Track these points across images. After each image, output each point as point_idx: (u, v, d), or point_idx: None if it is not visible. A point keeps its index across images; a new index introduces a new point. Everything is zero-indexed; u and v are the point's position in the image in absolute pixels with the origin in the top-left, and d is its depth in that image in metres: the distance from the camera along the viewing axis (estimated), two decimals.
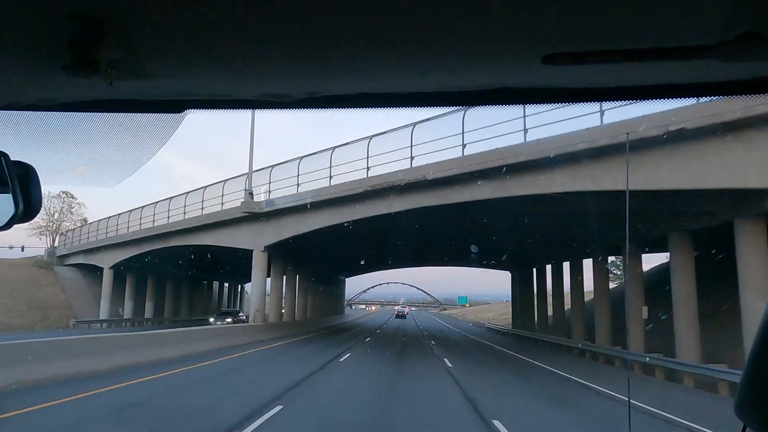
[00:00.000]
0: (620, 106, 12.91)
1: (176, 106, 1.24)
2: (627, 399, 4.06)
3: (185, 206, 33.36)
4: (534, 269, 40.96)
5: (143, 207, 38.44)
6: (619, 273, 62.87)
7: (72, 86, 1.11)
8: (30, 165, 1.26)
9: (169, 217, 35.07)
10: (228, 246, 30.20)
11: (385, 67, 1.07)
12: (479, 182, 17.99)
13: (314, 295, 46.74)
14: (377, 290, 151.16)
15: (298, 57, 1.02)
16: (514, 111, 14.51)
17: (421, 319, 78.74)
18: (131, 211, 39.89)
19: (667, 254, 22.40)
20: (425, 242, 37.52)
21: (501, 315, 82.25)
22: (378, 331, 41.50)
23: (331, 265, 48.34)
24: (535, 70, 1.00)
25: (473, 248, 37.65)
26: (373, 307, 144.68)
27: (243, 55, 1.02)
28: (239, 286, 69.56)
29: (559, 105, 1.26)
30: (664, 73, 1.05)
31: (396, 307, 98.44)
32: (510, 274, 47.42)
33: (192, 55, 1.02)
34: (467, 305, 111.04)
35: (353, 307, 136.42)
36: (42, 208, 1.34)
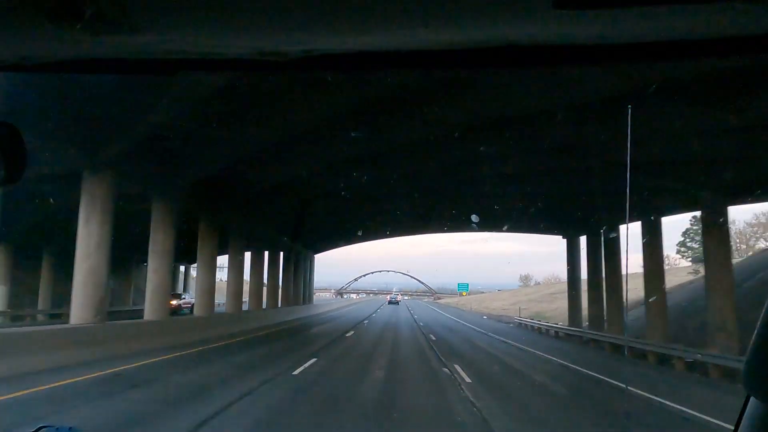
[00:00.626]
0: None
1: (167, 66, 1.17)
2: None
3: None
4: (623, 228, 22.56)
5: None
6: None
7: (56, 41, 0.99)
8: (12, 124, 1.16)
9: None
10: None
11: (384, 15, 0.93)
12: None
13: (256, 274, 28.07)
14: (369, 279, 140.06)
15: (292, 6, 0.91)
16: None
17: (417, 309, 59.78)
18: None
19: None
20: (437, 180, 19.77)
21: (513, 305, 65.41)
22: (350, 334, 22.89)
23: (284, 227, 29.80)
24: (546, 17, 0.89)
25: (473, 218, 27.73)
26: (355, 296, 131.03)
27: (237, 4, 0.91)
28: (182, 267, 50.97)
29: (572, 65, 1.12)
30: (688, 24, 0.92)
31: (389, 296, 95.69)
32: (565, 241, 28.98)
33: (182, 4, 0.91)
34: (464, 293, 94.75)
35: (344, 296, 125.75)
36: None
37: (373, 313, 45.39)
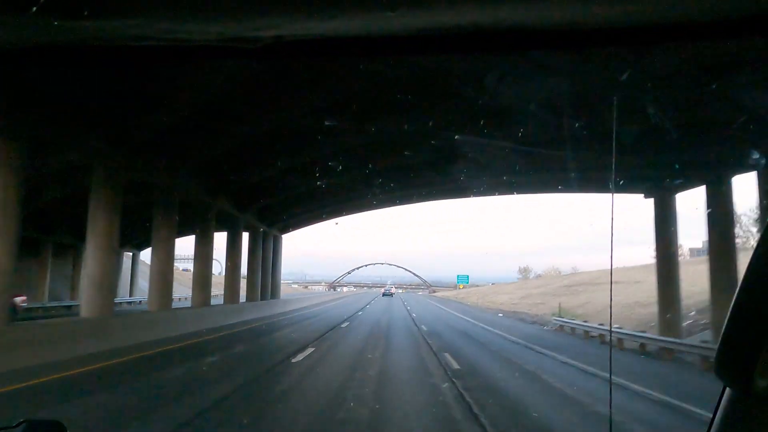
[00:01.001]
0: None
1: (134, 55, 1.09)
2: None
3: None
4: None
5: None
6: None
7: (7, 27, 0.92)
8: None
9: None
10: None
11: None
12: None
13: (160, 255, 17.30)
14: (364, 272, 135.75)
15: None
16: None
17: (415, 306, 48.92)
18: None
19: None
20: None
21: (522, 298, 55.35)
22: (302, 357, 12.24)
23: (226, 186, 19.28)
24: (515, 0, 0.84)
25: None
26: (345, 289, 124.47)
27: None
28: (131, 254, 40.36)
29: (546, 50, 1.01)
30: (675, 7, 0.86)
31: (383, 288, 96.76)
32: (651, 200, 18.47)
33: None
34: (461, 286, 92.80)
35: (337, 289, 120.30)
36: None
37: (359, 311, 34.80)
